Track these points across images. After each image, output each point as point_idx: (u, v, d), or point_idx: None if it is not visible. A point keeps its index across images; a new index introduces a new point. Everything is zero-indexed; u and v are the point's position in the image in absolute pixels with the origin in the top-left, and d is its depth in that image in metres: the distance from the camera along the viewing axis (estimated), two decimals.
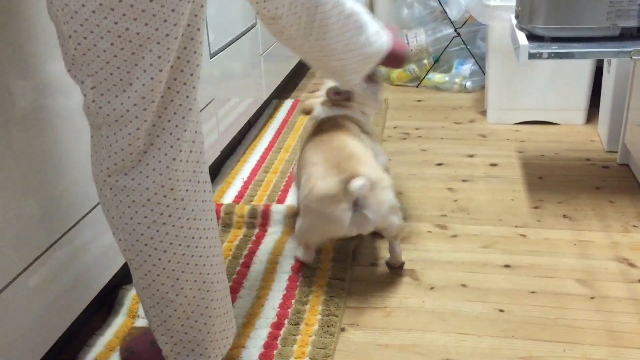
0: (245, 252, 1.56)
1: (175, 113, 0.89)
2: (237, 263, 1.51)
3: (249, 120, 2.38)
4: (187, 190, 0.92)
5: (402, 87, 2.86)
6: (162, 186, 0.90)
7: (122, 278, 1.42)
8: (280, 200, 1.81)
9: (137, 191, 0.90)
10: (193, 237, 0.94)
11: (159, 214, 0.91)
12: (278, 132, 2.34)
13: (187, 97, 0.90)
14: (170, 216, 0.91)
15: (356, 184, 1.25)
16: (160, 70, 0.83)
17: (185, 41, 0.87)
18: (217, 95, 1.90)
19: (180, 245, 0.93)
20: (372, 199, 1.31)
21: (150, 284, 0.96)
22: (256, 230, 1.65)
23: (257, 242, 1.61)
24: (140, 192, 0.90)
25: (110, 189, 0.91)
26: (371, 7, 3.16)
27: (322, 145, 1.42)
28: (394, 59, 1.52)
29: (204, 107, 1.79)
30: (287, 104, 2.65)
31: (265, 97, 2.46)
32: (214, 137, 1.88)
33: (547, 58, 1.54)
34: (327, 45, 1.33)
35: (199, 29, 0.88)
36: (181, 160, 0.91)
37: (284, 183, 1.93)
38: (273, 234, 1.64)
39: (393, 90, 2.83)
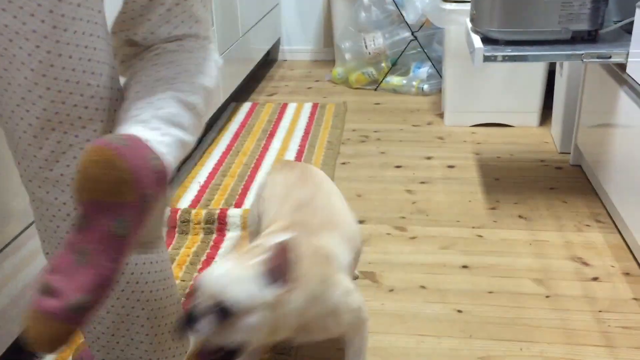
0: (203, 258, 1.53)
1: (83, 126, 0.82)
2: (194, 269, 1.48)
3: (206, 124, 2.34)
4: None
5: (361, 90, 2.87)
6: None
7: None
8: (238, 204, 1.79)
9: (55, 205, 0.85)
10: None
11: None
12: (236, 135, 2.32)
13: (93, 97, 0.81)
14: None
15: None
16: (32, 70, 0.76)
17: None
18: None
19: None
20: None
21: None
22: (214, 236, 1.62)
23: (216, 247, 1.58)
24: (58, 207, 0.85)
25: (33, 200, 0.87)
26: (329, 11, 3.16)
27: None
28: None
29: None
30: (245, 107, 2.62)
31: (222, 100, 2.43)
32: None
33: (502, 61, 1.56)
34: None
35: (98, 36, 0.81)
36: None
37: (242, 186, 1.90)
38: (231, 238, 1.61)
39: (352, 93, 2.83)
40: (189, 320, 0.84)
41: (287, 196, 1.12)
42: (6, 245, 1.09)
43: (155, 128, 0.79)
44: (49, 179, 0.84)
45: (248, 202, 1.81)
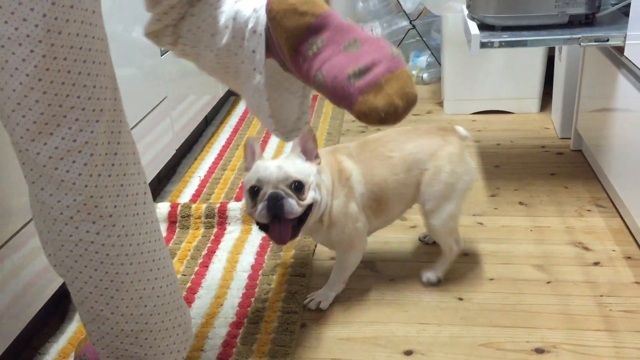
0: (204, 252, 1.53)
1: (81, 129, 0.82)
2: (195, 264, 1.49)
3: (205, 118, 2.35)
4: (115, 207, 0.86)
5: None
6: (84, 204, 0.84)
7: None
8: (238, 198, 1.79)
9: (57, 209, 0.84)
10: (127, 255, 0.89)
11: (85, 231, 0.85)
12: (235, 129, 2.31)
13: (89, 99, 0.82)
14: (97, 234, 0.86)
15: None
16: (27, 75, 0.76)
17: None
18: (171, 93, 1.86)
19: (112, 264, 0.88)
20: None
21: (83, 301, 0.91)
22: (215, 230, 1.63)
23: (216, 241, 1.58)
24: (60, 210, 0.84)
25: (37, 202, 0.86)
26: (327, 1, 3.14)
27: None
28: None
29: (155, 107, 1.75)
30: None
31: (222, 93, 2.43)
32: (168, 137, 1.85)
33: (499, 47, 1.55)
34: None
35: (97, 37, 0.81)
36: (100, 175, 0.84)
37: (242, 180, 1.90)
38: (232, 232, 1.61)
39: None
40: (277, 200, 1.13)
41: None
42: (7, 241, 1.10)
43: None
44: (51, 181, 0.83)
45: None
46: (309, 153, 1.22)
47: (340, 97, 0.82)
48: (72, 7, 0.76)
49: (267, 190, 1.15)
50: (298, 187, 1.15)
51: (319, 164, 1.23)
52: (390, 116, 0.82)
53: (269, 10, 0.85)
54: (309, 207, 1.18)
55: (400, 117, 0.82)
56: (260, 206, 1.15)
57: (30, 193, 0.89)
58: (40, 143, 0.80)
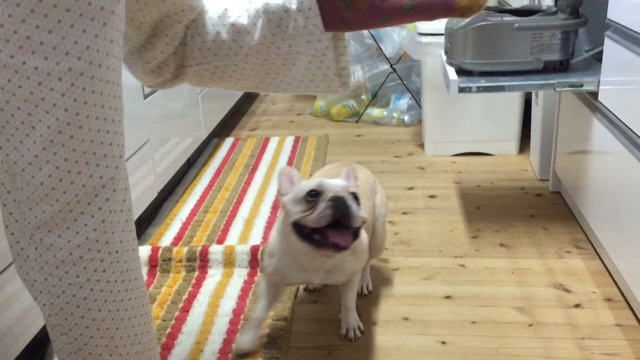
0: (184, 297, 1.51)
1: (107, 158, 0.82)
2: (175, 309, 1.47)
3: (188, 160, 2.35)
4: (121, 242, 0.86)
5: (342, 123, 2.89)
6: (97, 241, 0.83)
7: None
8: (220, 241, 1.78)
9: (65, 250, 0.82)
10: (127, 290, 0.88)
11: (93, 270, 0.84)
12: (218, 171, 2.32)
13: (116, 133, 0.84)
14: (104, 271, 0.85)
15: None
16: (66, 110, 0.76)
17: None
18: (153, 136, 1.87)
19: (114, 300, 0.87)
20: None
21: (80, 348, 0.89)
22: (196, 273, 1.61)
23: (198, 285, 1.57)
24: (70, 250, 0.82)
25: (36, 248, 0.84)
26: None
27: None
28: None
29: (138, 149, 1.75)
30: (228, 142, 2.63)
31: (204, 136, 2.44)
32: (150, 180, 1.84)
33: (477, 92, 1.59)
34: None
35: (112, 69, 0.82)
36: (116, 211, 0.85)
37: (224, 222, 1.90)
38: (213, 275, 1.60)
39: (333, 126, 2.85)
40: (344, 207, 1.11)
41: (318, 176, 1.40)
42: (8, 266, 1.08)
43: None
44: (65, 220, 0.82)
45: (230, 238, 1.80)
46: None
47: (440, 4, 0.98)
48: (112, 41, 0.78)
49: (330, 194, 1.13)
50: (356, 198, 1.16)
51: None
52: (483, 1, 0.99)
53: None
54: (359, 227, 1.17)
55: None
56: (321, 206, 1.12)
57: (14, 244, 0.87)
58: (68, 182, 0.79)
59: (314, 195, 1.14)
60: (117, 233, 0.86)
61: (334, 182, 1.17)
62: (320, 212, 1.11)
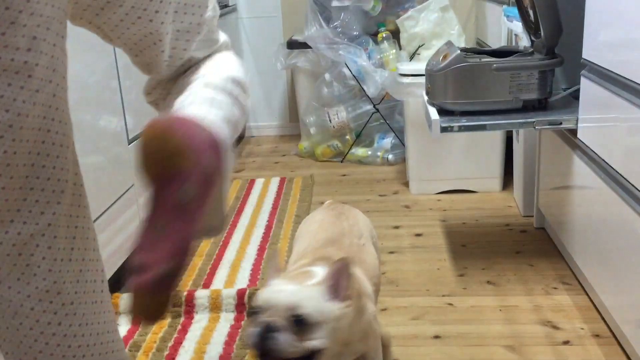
0: (170, 344, 1.49)
1: (42, 212, 0.80)
2: (161, 356, 1.44)
3: None
4: (76, 292, 0.84)
5: (327, 163, 2.91)
6: (47, 291, 0.82)
7: None
8: (206, 285, 1.76)
9: (16, 301, 0.81)
10: (87, 345, 0.86)
11: (47, 323, 0.82)
12: None
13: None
14: (59, 324, 0.83)
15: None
16: None
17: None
18: (137, 181, 1.86)
19: (74, 356, 0.85)
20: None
21: None
22: (182, 319, 1.59)
23: (183, 331, 1.54)
24: (20, 301, 0.81)
25: None
26: (292, 86, 3.24)
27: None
28: None
29: (122, 194, 1.74)
30: None
31: None
32: (134, 225, 1.83)
33: (458, 131, 1.61)
34: None
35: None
36: (63, 260, 0.82)
37: (210, 266, 1.88)
38: (200, 321, 1.58)
39: (318, 166, 2.87)
40: (267, 333, 0.94)
41: (319, 233, 1.28)
42: None
43: (200, 105, 0.85)
44: (12, 271, 0.80)
45: (217, 282, 1.78)
46: (338, 291, 1.01)
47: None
48: (38, 91, 0.77)
49: (263, 318, 0.97)
50: (303, 323, 0.96)
51: (347, 306, 1.02)
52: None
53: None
54: (313, 354, 0.97)
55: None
56: (251, 332, 0.97)
57: None
58: (2, 232, 0.78)
59: (254, 312, 0.99)
60: (70, 283, 0.84)
61: (279, 299, 0.97)
62: (250, 339, 0.96)
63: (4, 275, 0.81)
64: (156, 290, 0.77)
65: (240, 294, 1.62)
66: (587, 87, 1.49)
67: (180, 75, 0.99)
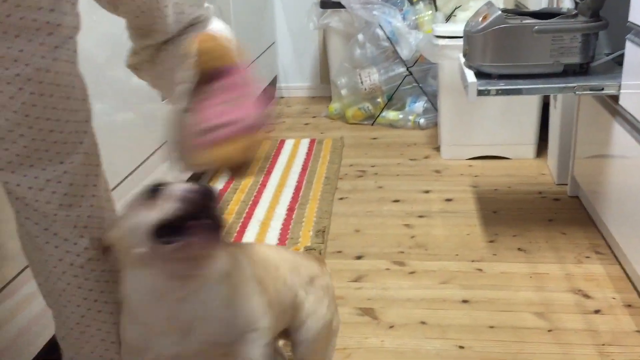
0: None
1: (61, 161, 0.84)
2: None
3: None
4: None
5: (357, 125, 2.89)
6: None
7: None
8: (237, 241, 1.78)
9: (42, 238, 0.87)
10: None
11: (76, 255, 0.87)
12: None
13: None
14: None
15: None
16: (15, 112, 0.78)
17: None
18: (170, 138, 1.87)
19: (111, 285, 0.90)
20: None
21: (73, 327, 0.91)
22: None
23: None
24: (71, 250, 0.86)
25: (25, 234, 0.88)
26: (324, 48, 3.20)
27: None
28: None
29: (155, 150, 1.76)
30: None
31: None
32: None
33: (495, 95, 1.57)
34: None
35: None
36: (81, 206, 0.87)
37: (240, 224, 1.90)
38: None
39: (348, 129, 2.85)
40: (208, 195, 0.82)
41: None
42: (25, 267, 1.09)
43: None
44: (35, 213, 0.85)
45: (246, 240, 1.80)
46: None
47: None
48: (57, 47, 0.80)
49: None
50: None
51: None
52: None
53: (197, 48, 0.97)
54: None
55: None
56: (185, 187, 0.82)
57: (29, 239, 0.89)
58: (20, 175, 0.83)
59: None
60: None
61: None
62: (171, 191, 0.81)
63: (29, 213, 0.86)
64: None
65: None
66: (632, 52, 1.44)
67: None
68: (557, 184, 2.10)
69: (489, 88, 1.56)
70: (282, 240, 1.80)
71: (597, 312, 1.42)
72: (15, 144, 0.81)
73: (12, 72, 0.77)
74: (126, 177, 1.58)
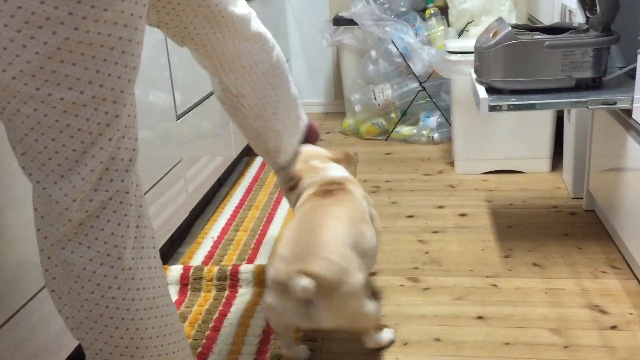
0: (215, 316, 1.52)
1: (115, 172, 0.85)
2: (206, 327, 1.48)
3: (219, 179, 2.38)
4: (133, 259, 0.88)
5: (372, 141, 2.90)
6: (108, 255, 0.85)
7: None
8: (251, 260, 1.79)
9: (79, 265, 0.85)
10: (145, 309, 0.89)
11: (107, 287, 0.86)
12: (248, 190, 2.34)
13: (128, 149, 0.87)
14: (119, 289, 0.87)
15: (298, 285, 1.10)
16: (90, 133, 0.80)
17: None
18: (185, 156, 1.90)
19: (132, 319, 0.88)
20: (325, 303, 1.13)
21: None
22: (226, 292, 1.62)
23: (228, 304, 1.57)
24: (83, 265, 0.85)
25: (56, 265, 0.87)
26: (338, 64, 3.22)
27: (305, 214, 1.30)
28: (311, 132, 1.61)
29: (171, 169, 1.78)
30: (258, 161, 2.65)
31: (235, 155, 2.46)
32: (182, 198, 1.87)
33: (507, 110, 1.58)
34: (273, 126, 1.39)
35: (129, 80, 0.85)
36: (121, 224, 0.87)
37: (254, 241, 1.91)
38: (244, 295, 1.61)
39: (362, 144, 2.86)
40: None
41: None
42: (22, 306, 1.10)
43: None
44: (77, 234, 0.85)
45: (261, 257, 1.81)
46: None
47: None
48: (130, 67, 0.82)
49: None
50: None
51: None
52: None
53: None
54: None
55: None
56: None
57: (45, 258, 0.90)
58: (66, 181, 0.82)
59: None
60: (128, 250, 0.87)
61: None
62: None
63: (67, 240, 0.85)
64: None
65: None
66: None
67: None
68: (573, 198, 2.09)
69: (501, 103, 1.57)
70: None
71: (613, 327, 1.40)
72: (87, 166, 0.83)
73: (88, 95, 0.79)
74: (145, 193, 1.60)
